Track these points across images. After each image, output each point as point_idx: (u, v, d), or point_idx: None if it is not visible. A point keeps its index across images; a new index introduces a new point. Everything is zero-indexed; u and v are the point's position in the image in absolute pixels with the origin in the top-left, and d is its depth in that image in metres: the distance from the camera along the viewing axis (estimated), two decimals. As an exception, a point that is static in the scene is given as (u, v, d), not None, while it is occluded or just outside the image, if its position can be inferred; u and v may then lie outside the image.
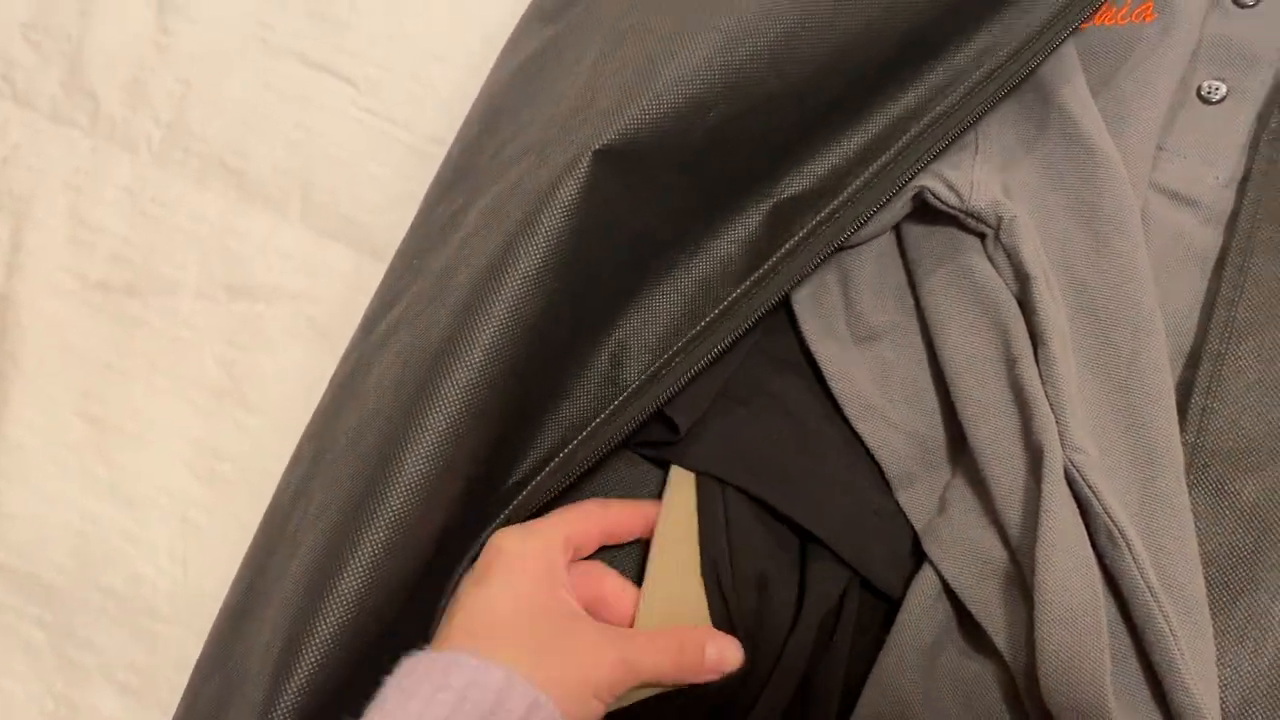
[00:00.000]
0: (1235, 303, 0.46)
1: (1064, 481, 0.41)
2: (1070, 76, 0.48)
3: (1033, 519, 0.41)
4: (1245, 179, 0.49)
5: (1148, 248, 0.47)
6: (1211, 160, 0.50)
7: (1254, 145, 0.50)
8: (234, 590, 0.46)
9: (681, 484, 0.44)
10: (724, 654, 0.40)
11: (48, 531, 0.53)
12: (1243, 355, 0.45)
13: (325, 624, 0.38)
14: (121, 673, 0.50)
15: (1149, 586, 0.39)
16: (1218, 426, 0.44)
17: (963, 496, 0.44)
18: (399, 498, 0.38)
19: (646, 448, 0.46)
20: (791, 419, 0.46)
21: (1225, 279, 0.47)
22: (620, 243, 0.44)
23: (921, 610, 0.42)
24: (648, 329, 0.46)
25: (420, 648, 0.37)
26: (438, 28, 0.62)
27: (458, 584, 0.40)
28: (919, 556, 0.44)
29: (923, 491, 0.45)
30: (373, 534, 0.38)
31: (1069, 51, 0.49)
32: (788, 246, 0.45)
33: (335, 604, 0.38)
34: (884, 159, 0.46)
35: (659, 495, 0.45)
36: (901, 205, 0.47)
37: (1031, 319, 0.44)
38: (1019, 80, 0.46)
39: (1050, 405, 0.42)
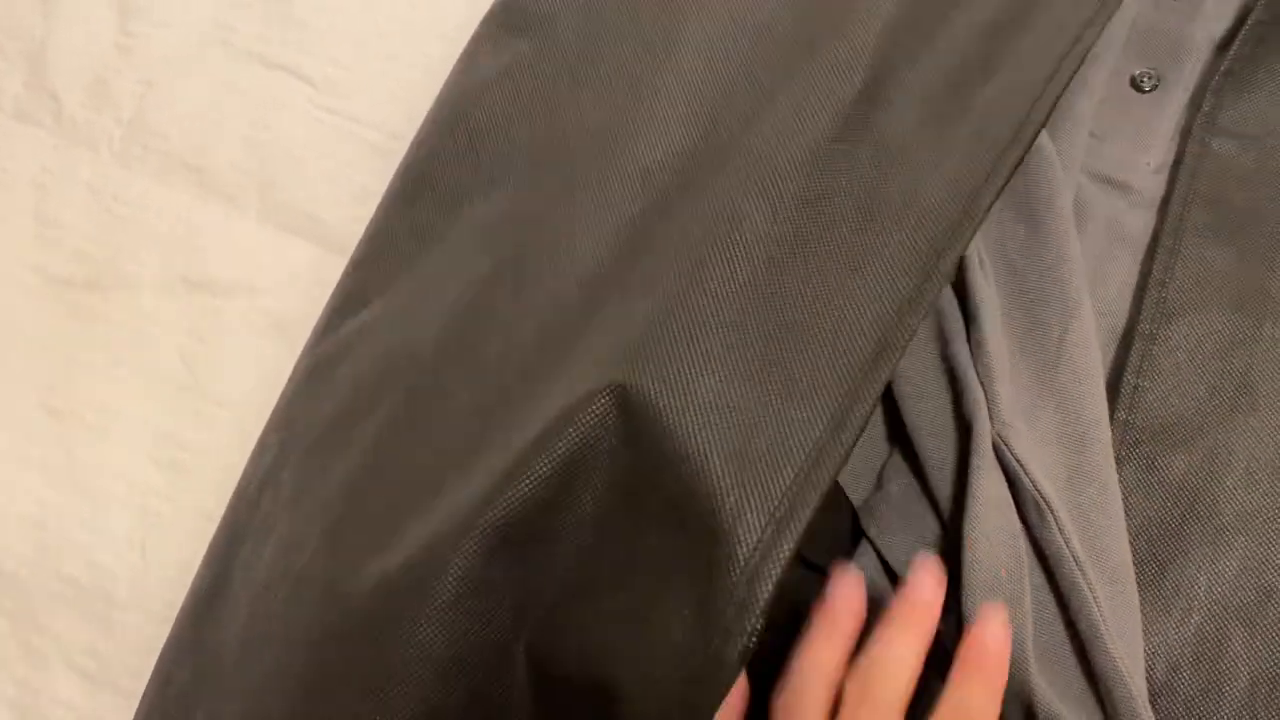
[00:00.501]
0: (1166, 284, 0.47)
1: (993, 455, 0.42)
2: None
3: (964, 493, 0.41)
4: (1177, 164, 0.50)
5: (1082, 232, 0.49)
6: (1144, 146, 0.51)
7: (1186, 131, 0.51)
8: (201, 577, 0.47)
9: None
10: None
11: (7, 522, 0.54)
12: (1173, 335, 0.46)
13: None
14: (81, 658, 0.51)
15: (1074, 555, 0.40)
16: (1148, 404, 0.45)
17: (899, 473, 0.45)
18: None
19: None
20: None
21: (1156, 261, 0.48)
22: None
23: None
24: None
25: None
26: (396, 28, 0.63)
27: None
28: (857, 534, 0.45)
29: (860, 467, 0.46)
30: None
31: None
32: None
33: None
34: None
35: None
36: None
37: (965, 300, 0.45)
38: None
39: (980, 382, 0.43)
